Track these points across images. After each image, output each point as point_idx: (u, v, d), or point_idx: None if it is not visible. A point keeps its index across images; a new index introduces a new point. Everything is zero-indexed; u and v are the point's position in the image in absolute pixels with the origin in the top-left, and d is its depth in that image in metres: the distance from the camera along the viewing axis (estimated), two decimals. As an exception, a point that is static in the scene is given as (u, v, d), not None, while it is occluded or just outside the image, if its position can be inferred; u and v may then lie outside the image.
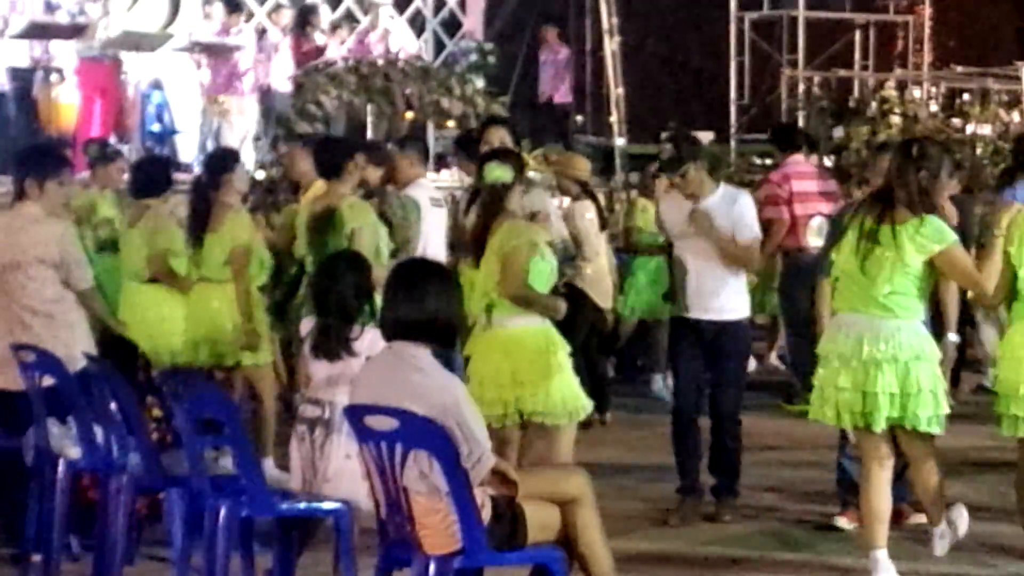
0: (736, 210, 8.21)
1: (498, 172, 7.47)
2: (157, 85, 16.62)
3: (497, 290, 7.29)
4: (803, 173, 11.49)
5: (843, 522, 8.02)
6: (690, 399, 8.37)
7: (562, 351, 7.37)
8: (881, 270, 6.58)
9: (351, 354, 6.35)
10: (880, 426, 6.66)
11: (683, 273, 8.25)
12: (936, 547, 6.95)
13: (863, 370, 6.62)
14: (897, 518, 7.76)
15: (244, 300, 8.70)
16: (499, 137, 8.56)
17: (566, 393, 7.28)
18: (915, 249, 6.56)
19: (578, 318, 9.74)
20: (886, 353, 6.60)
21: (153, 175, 9.67)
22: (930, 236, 6.57)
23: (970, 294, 7.52)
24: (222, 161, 9.20)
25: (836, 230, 8.03)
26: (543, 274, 7.34)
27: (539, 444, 7.33)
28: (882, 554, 6.78)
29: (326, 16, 18.41)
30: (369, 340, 6.35)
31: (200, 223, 8.79)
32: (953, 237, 6.64)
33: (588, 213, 10.66)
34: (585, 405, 7.37)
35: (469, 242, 7.67)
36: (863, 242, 6.62)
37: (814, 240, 10.90)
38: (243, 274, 8.72)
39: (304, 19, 17.87)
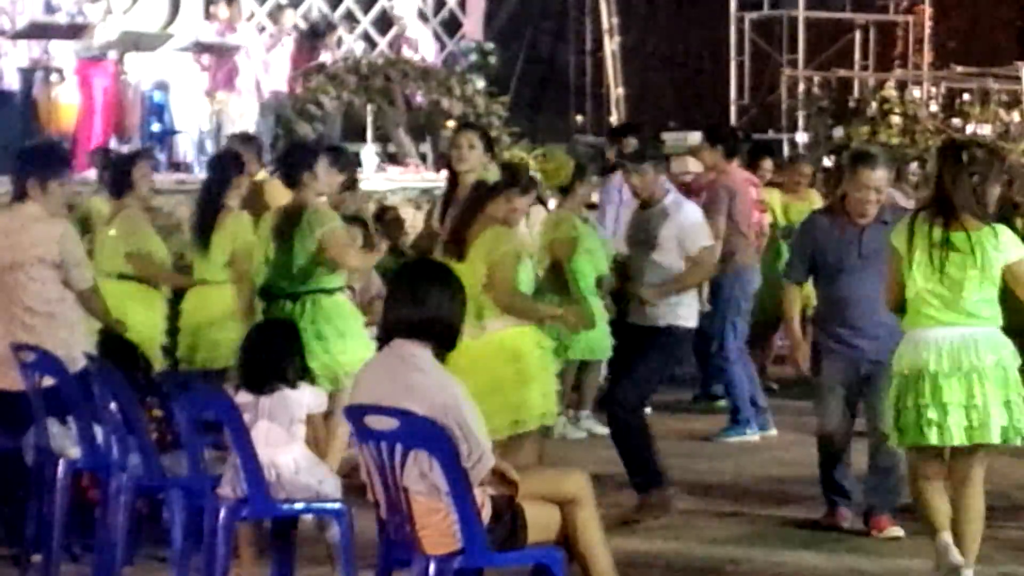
0: (681, 221, 8.18)
1: (491, 172, 7.49)
2: (157, 85, 16.62)
3: (488, 296, 7.28)
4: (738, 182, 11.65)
5: (845, 523, 7.99)
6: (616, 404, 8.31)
7: (548, 352, 7.43)
8: (967, 276, 6.40)
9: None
10: (995, 437, 6.40)
11: (632, 278, 8.26)
12: None
13: (967, 381, 6.40)
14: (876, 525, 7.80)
15: (246, 301, 8.63)
16: (468, 140, 8.30)
17: (546, 398, 7.33)
18: (995, 257, 6.42)
19: None
20: (986, 359, 6.41)
21: (116, 175, 9.53)
22: (1007, 244, 6.45)
23: None
24: (231, 164, 9.13)
25: (804, 238, 8.00)
26: (523, 283, 7.39)
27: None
28: (948, 535, 6.54)
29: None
30: (309, 395, 6.38)
31: (208, 225, 8.74)
32: None
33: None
34: (548, 413, 7.39)
35: (448, 236, 7.55)
36: (937, 252, 6.42)
37: None
38: (246, 276, 8.66)
39: (316, 34, 17.88)
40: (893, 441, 6.70)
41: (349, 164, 9.86)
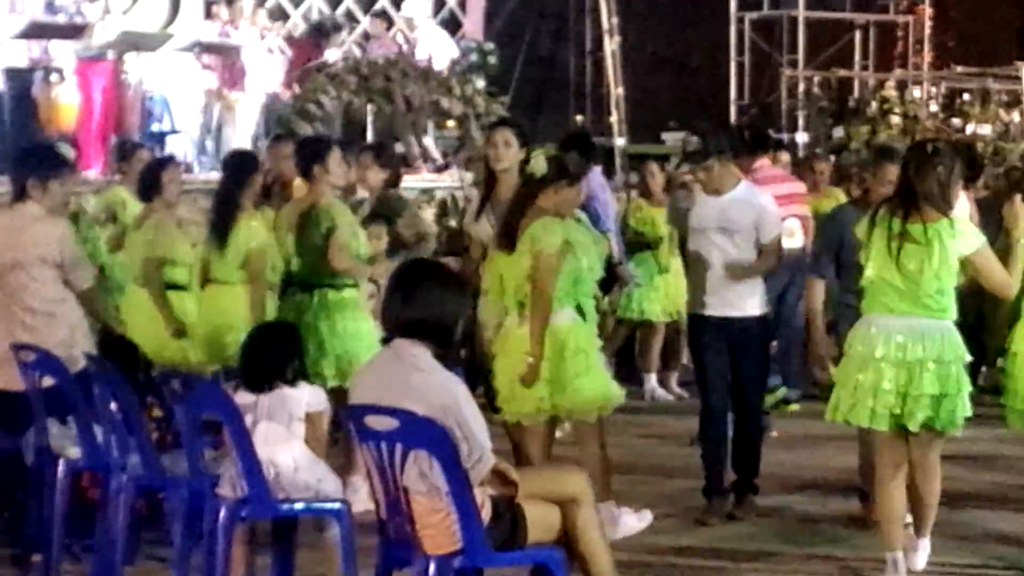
0: (759, 208, 8.22)
1: (539, 165, 7.58)
2: (157, 85, 16.62)
3: (530, 286, 7.45)
4: (772, 177, 11.03)
5: None
6: (721, 396, 8.34)
7: (593, 347, 7.58)
8: (926, 268, 6.58)
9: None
10: (916, 426, 6.64)
11: (704, 270, 8.24)
12: (918, 560, 6.99)
13: (907, 371, 6.61)
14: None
15: (259, 304, 8.60)
16: (504, 138, 8.45)
17: (597, 389, 7.53)
18: (951, 248, 6.57)
19: None
20: (931, 353, 6.60)
21: (146, 178, 9.59)
22: (964, 236, 6.61)
23: None
24: (246, 163, 9.10)
25: (831, 231, 8.10)
26: (572, 273, 7.50)
27: (579, 435, 7.73)
28: (900, 555, 6.81)
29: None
30: (308, 394, 6.39)
31: (225, 225, 8.72)
32: (983, 237, 6.70)
33: None
34: (616, 397, 7.65)
35: (499, 230, 7.71)
36: (895, 243, 6.60)
37: (787, 242, 10.85)
38: (260, 277, 8.66)
39: (321, 34, 17.88)
40: (828, 415, 6.93)
41: (392, 160, 9.81)
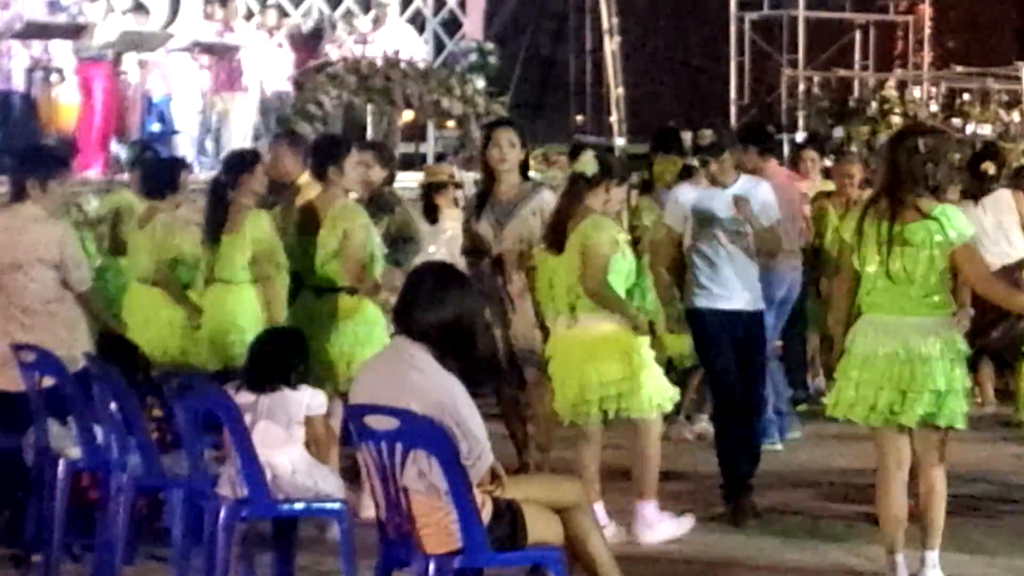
0: (759, 196, 8.25)
1: (588, 164, 7.74)
2: (157, 85, 16.62)
3: (580, 286, 7.62)
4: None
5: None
6: (738, 391, 8.25)
7: (644, 347, 7.70)
8: (917, 268, 6.49)
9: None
10: (913, 422, 6.57)
11: (716, 263, 8.21)
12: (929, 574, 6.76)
13: (910, 368, 6.53)
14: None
15: (276, 302, 8.52)
16: (508, 138, 8.50)
17: (652, 388, 7.67)
18: (942, 241, 6.47)
19: None
20: (934, 350, 6.52)
21: (161, 176, 9.56)
22: (954, 227, 6.48)
23: None
24: (242, 161, 8.98)
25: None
26: (621, 272, 7.68)
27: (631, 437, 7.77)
28: (900, 558, 6.71)
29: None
30: (309, 397, 6.41)
31: (218, 223, 8.64)
32: (973, 231, 6.59)
33: None
34: (671, 396, 7.80)
35: (548, 231, 7.91)
36: (885, 247, 6.51)
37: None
38: (270, 275, 8.50)
39: (318, 35, 17.88)
40: (829, 410, 6.85)
41: (391, 160, 9.79)
